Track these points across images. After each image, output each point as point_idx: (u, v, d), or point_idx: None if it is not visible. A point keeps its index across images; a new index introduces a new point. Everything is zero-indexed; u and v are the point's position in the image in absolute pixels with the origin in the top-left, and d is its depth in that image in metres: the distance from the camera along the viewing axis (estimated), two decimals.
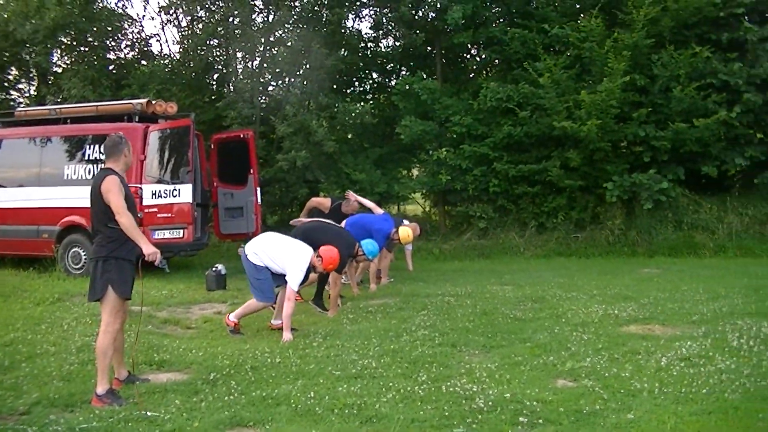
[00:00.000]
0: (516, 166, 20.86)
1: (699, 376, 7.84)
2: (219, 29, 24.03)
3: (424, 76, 23.08)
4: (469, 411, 6.87)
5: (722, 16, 20.50)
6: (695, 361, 8.41)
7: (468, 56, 25.94)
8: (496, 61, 24.23)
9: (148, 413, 6.87)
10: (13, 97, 27.11)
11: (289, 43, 23.61)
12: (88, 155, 16.49)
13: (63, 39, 24.93)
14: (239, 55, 24.65)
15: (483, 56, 24.81)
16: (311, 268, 10.90)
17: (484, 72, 25.27)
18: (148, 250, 7.35)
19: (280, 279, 10.64)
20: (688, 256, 19.19)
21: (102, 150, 15.64)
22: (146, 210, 14.96)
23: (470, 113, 21.67)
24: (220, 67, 25.56)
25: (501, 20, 23.68)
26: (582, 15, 21.73)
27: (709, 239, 19.80)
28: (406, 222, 15.57)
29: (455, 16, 20.88)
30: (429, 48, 24.82)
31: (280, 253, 10.68)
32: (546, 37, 21.19)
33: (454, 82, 24.44)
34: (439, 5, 22.49)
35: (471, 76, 25.47)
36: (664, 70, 20.10)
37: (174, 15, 25.50)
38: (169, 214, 15.55)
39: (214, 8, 24.34)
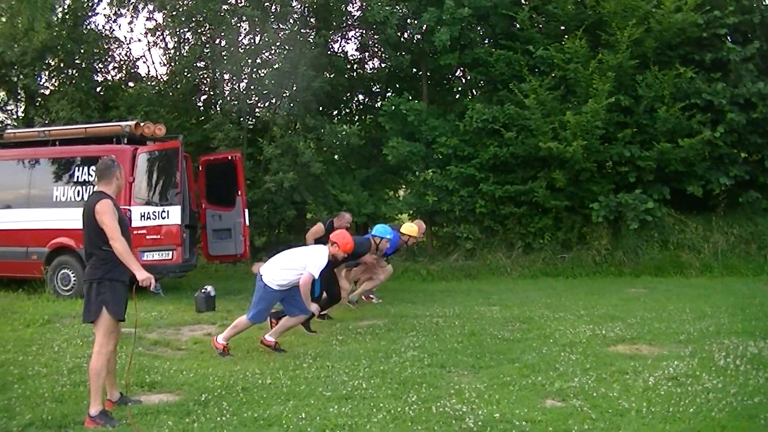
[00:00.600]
0: (502, 187, 20.91)
1: (686, 395, 7.97)
2: (206, 51, 24.10)
3: (411, 97, 23.06)
4: (459, 431, 6.96)
5: (705, 37, 20.62)
6: (682, 381, 8.54)
7: (454, 78, 25.97)
8: (482, 82, 24.33)
9: None
10: (1, 119, 27.08)
11: (275, 65, 23.63)
12: (77, 177, 16.58)
13: (50, 61, 24.95)
14: (226, 76, 24.68)
15: (468, 78, 24.90)
16: (332, 260, 11.20)
17: (470, 93, 25.33)
18: (142, 276, 7.39)
19: (287, 294, 10.77)
20: (674, 276, 19.29)
21: (91, 172, 15.81)
22: (135, 232, 14.79)
23: (456, 134, 21.74)
24: (207, 88, 25.64)
25: (486, 42, 23.77)
26: (566, 36, 21.74)
27: (695, 258, 19.92)
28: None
29: (442, 38, 20.96)
30: (415, 70, 24.84)
31: (297, 255, 10.97)
32: (531, 59, 21.26)
33: (440, 104, 24.56)
34: (425, 27, 22.54)
35: (457, 97, 25.56)
36: (649, 91, 20.22)
37: (160, 37, 25.58)
38: (158, 236, 15.65)
39: (200, 30, 24.38)
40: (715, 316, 12.79)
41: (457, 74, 25.83)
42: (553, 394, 8.22)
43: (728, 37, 21.03)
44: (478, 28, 23.58)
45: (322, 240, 14.12)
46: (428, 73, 24.60)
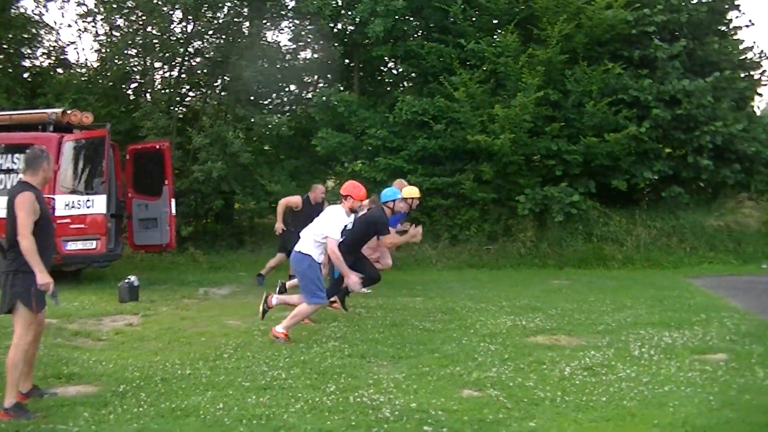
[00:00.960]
0: (430, 179, 20.91)
1: (600, 384, 8.14)
2: (137, 39, 23.72)
3: (342, 88, 23.10)
4: (375, 421, 7.01)
5: (634, 34, 20.99)
6: (597, 370, 8.71)
7: (385, 69, 25.99)
8: (413, 74, 24.38)
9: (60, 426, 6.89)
10: None
11: (207, 54, 23.57)
12: (1, 164, 16.24)
13: None
14: (157, 65, 24.46)
15: (400, 70, 24.94)
16: (350, 215, 11.23)
17: (401, 85, 25.39)
18: (42, 280, 7.24)
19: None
20: (597, 268, 19.56)
21: (15, 159, 15.58)
22: (59, 221, 14.60)
23: (386, 126, 21.75)
24: (137, 76, 25.34)
25: (418, 34, 23.84)
26: (498, 31, 21.95)
27: (618, 251, 20.21)
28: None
29: (376, 30, 20.99)
30: (347, 61, 24.84)
31: (315, 224, 11.03)
32: (462, 52, 21.39)
33: (372, 95, 24.52)
34: (359, 19, 22.52)
35: (388, 89, 25.53)
36: (577, 86, 20.51)
37: (92, 23, 25.25)
38: (83, 225, 15.48)
39: (132, 17, 24.07)
40: (634, 308, 13.04)
41: (388, 66, 25.83)
42: (470, 384, 8.29)
43: (656, 35, 21.39)
44: (412, 21, 23.60)
45: (301, 217, 14.19)
46: (360, 65, 24.64)
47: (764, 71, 23.73)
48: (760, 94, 23.92)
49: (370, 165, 21.64)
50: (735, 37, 23.50)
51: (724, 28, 23.55)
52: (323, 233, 10.68)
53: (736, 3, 23.24)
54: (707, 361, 9.21)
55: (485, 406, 7.45)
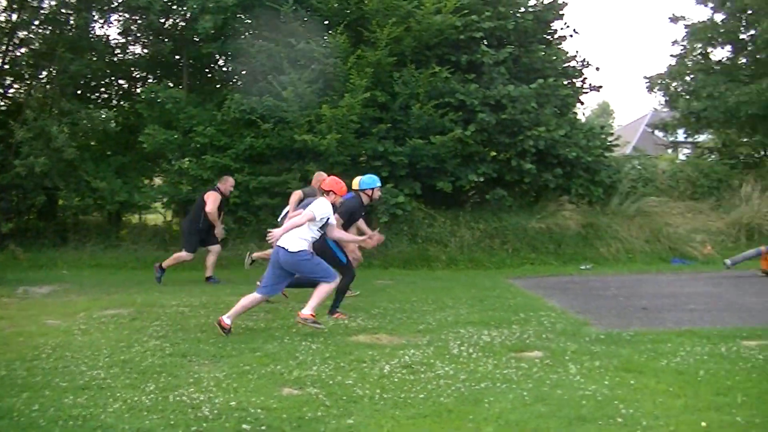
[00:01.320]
0: (257, 178, 20.82)
1: (418, 382, 8.29)
2: None
3: (171, 84, 22.86)
4: (195, 419, 7.00)
5: (462, 39, 21.41)
6: (417, 368, 8.86)
7: (215, 67, 25.84)
8: (243, 72, 24.25)
9: None
10: None
11: (33, 45, 23.02)
12: None
13: None
14: None
15: (230, 68, 24.78)
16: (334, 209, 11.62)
17: (231, 83, 25.22)
18: None
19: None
20: (421, 269, 19.88)
21: None
22: None
23: (214, 124, 21.51)
24: None
25: (249, 33, 23.72)
26: (329, 31, 22.02)
27: (442, 252, 20.56)
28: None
29: (206, 26, 20.78)
30: (177, 57, 24.52)
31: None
32: (292, 51, 21.31)
33: (200, 92, 24.22)
34: (189, 15, 22.31)
35: (217, 86, 25.36)
36: (405, 88, 20.77)
37: None
38: None
39: None
40: (455, 307, 13.30)
41: (218, 64, 25.67)
42: (290, 383, 8.33)
43: (483, 41, 21.87)
44: (243, 19, 23.46)
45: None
46: (190, 61, 24.34)
47: (585, 79, 24.57)
48: (582, 102, 24.62)
49: (197, 163, 21.42)
50: (559, 46, 24.24)
51: (549, 37, 24.30)
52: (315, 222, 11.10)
53: (561, 13, 24.01)
54: (523, 358, 9.50)
55: (305, 404, 7.50)
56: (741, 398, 7.80)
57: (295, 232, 11.01)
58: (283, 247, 10.99)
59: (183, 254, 17.44)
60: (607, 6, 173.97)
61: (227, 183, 17.21)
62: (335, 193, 11.66)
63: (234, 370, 8.78)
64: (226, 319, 10.86)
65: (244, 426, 6.85)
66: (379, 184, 13.69)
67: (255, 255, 16.16)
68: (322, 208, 11.23)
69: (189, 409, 7.31)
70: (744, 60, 29.56)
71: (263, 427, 6.83)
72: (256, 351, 9.79)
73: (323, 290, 11.18)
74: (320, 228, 11.35)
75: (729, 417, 7.23)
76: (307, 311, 10.95)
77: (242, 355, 9.56)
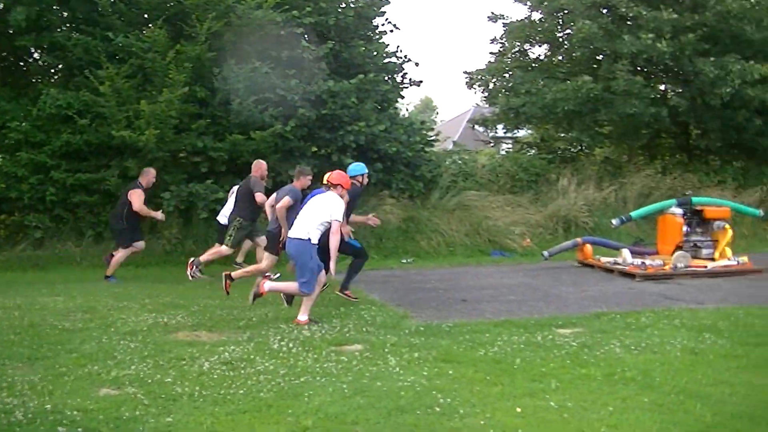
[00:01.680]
0: (74, 175, 20.28)
1: (238, 378, 8.35)
2: None
3: None
4: (8, 425, 6.80)
5: (283, 35, 21.24)
6: (236, 365, 8.91)
7: (30, 60, 25.07)
8: (60, 66, 23.63)
9: None
10: None
11: None
12: None
13: None
14: None
15: (46, 61, 24.12)
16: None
17: (47, 78, 24.53)
18: None
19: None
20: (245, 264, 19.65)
21: None
22: None
23: (29, 119, 20.83)
24: None
25: (66, 26, 23.09)
26: (148, 26, 21.67)
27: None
28: None
29: (18, 18, 20.03)
30: None
31: (314, 210, 11.58)
32: (110, 46, 20.83)
33: (14, 87, 23.32)
34: (1, 6, 21.56)
35: (33, 81, 24.52)
36: (225, 83, 20.56)
37: None
38: None
39: None
40: (275, 303, 13.28)
41: (34, 57, 24.95)
42: (108, 383, 8.23)
43: (304, 36, 21.76)
44: (59, 11, 22.82)
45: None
46: (3, 54, 23.58)
47: (406, 74, 24.85)
48: (403, 97, 24.91)
49: (11, 159, 20.68)
50: (380, 41, 24.36)
51: (370, 32, 24.43)
52: (329, 218, 11.43)
53: (382, 10, 24.22)
54: (343, 351, 9.67)
55: (123, 403, 7.42)
56: (555, 384, 8.09)
57: (312, 224, 11.46)
58: (298, 237, 11.38)
59: (120, 252, 17.55)
60: (430, 2, 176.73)
61: (149, 175, 17.21)
62: (342, 187, 11.94)
63: (50, 372, 8.57)
64: (301, 317, 11.39)
65: (60, 429, 6.71)
66: (366, 171, 14.03)
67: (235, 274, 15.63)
68: (340, 204, 11.60)
69: (2, 414, 7.09)
70: (560, 58, 30.63)
71: (79, 429, 6.70)
72: (73, 352, 9.58)
73: (294, 287, 11.71)
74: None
75: (543, 402, 7.51)
76: (267, 287, 11.63)
77: (58, 357, 9.34)
